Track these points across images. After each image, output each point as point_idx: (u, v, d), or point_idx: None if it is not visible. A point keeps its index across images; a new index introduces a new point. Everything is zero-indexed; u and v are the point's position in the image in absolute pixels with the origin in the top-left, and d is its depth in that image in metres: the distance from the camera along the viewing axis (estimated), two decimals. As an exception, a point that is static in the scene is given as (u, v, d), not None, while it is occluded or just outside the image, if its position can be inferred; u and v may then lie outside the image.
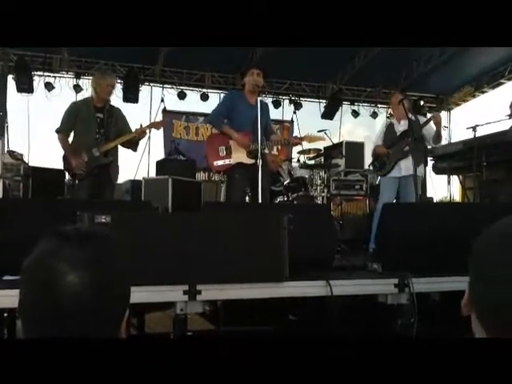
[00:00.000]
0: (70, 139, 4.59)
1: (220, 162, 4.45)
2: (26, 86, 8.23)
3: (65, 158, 4.51)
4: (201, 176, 8.37)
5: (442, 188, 8.53)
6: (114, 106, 4.81)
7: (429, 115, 9.30)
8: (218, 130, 4.66)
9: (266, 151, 4.53)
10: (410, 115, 4.85)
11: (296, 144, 4.95)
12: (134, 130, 4.65)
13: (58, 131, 4.57)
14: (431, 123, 4.82)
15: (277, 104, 9.82)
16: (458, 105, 10.70)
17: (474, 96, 4.68)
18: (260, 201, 4.09)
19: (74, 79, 8.71)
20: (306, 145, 5.67)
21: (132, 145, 4.72)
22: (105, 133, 4.55)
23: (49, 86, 8.56)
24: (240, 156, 4.40)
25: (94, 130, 4.52)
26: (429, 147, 5.13)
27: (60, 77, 8.70)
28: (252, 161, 4.32)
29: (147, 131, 4.74)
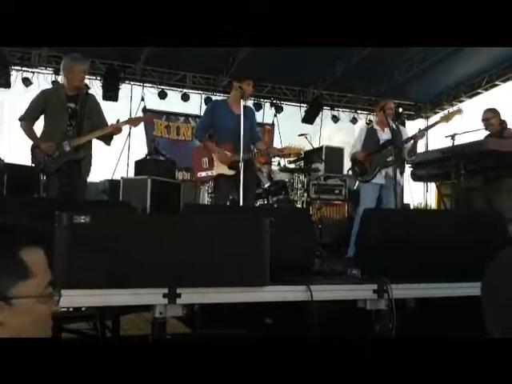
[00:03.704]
0: (39, 133, 4.21)
1: (203, 174, 4.63)
2: (3, 81, 8.06)
3: (33, 149, 4.13)
4: (182, 175, 8.33)
5: (419, 194, 8.68)
6: (88, 94, 4.41)
7: (409, 124, 9.45)
8: (202, 144, 4.80)
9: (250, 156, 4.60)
10: (393, 124, 4.96)
11: (275, 155, 5.10)
12: (110, 124, 4.31)
13: (21, 119, 4.19)
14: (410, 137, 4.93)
15: (258, 107, 9.82)
16: (436, 113, 10.90)
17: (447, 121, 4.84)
18: (246, 202, 4.18)
19: (53, 75, 8.56)
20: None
21: (105, 139, 4.34)
22: (77, 125, 4.16)
23: (26, 82, 8.39)
24: (221, 168, 4.54)
25: (64, 122, 4.14)
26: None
27: (38, 72, 8.54)
28: (232, 172, 4.46)
29: (123, 128, 4.34)
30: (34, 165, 4.20)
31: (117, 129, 4.27)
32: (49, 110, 4.18)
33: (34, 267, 0.88)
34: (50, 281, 0.90)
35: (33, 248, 0.89)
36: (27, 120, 4.20)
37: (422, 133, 4.88)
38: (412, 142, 4.87)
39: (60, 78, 8.43)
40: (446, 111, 4.87)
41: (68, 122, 4.16)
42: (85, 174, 4.33)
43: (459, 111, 4.76)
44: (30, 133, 4.17)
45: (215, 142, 4.67)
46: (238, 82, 4.72)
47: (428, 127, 5.17)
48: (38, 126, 4.28)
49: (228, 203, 4.75)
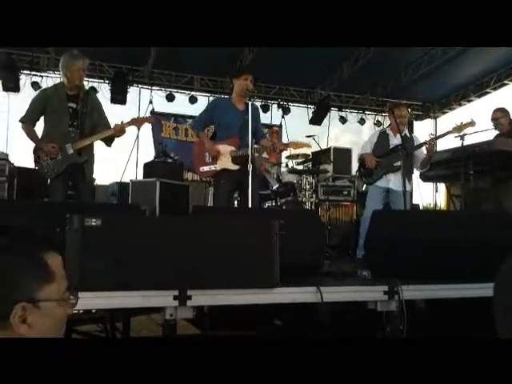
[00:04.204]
0: (39, 133, 4.13)
1: (206, 168, 4.46)
2: (12, 85, 8.13)
3: (35, 151, 4.06)
4: (190, 176, 8.33)
5: (428, 195, 8.65)
6: (89, 92, 4.40)
7: (417, 124, 9.37)
8: (197, 136, 4.67)
9: (256, 154, 4.52)
10: (406, 131, 4.94)
11: (282, 150, 4.99)
12: (113, 125, 4.20)
13: (21, 120, 4.12)
14: (423, 148, 4.87)
15: (265, 108, 9.84)
16: (444, 113, 10.86)
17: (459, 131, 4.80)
18: (250, 205, 4.09)
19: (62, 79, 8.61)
20: (293, 150, 5.69)
21: (106, 140, 4.22)
22: (79, 126, 4.08)
23: (35, 86, 8.45)
24: (225, 162, 4.39)
25: (66, 122, 4.05)
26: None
27: (47, 76, 8.60)
28: (237, 167, 4.34)
29: (127, 129, 4.23)
30: (36, 168, 4.13)
31: (120, 130, 4.16)
32: (49, 110, 4.10)
33: (57, 271, 0.90)
34: (67, 285, 0.92)
35: (53, 252, 0.91)
36: (28, 122, 4.13)
37: (431, 141, 4.81)
38: (426, 154, 4.81)
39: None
40: (458, 122, 4.78)
41: (69, 123, 4.08)
42: (88, 177, 4.27)
43: (472, 123, 4.71)
44: (31, 135, 4.11)
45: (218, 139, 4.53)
46: (235, 78, 4.61)
47: (438, 136, 5.13)
48: (40, 127, 4.19)
49: (234, 203, 4.71)
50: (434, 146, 4.84)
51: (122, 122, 4.21)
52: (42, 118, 4.18)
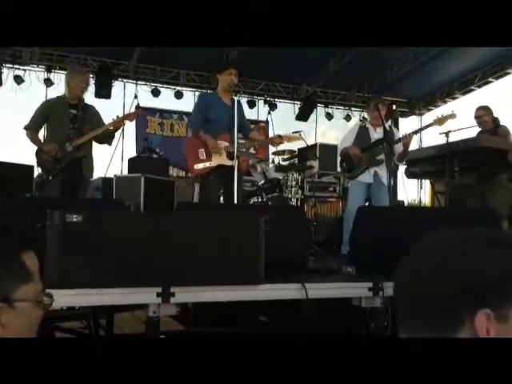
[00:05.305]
0: (42, 137, 4.56)
1: (201, 165, 4.42)
2: (-6, 79, 8.01)
3: (37, 153, 4.40)
4: (176, 172, 8.27)
5: (413, 191, 8.71)
6: (88, 104, 4.76)
7: (402, 121, 9.42)
8: (195, 136, 4.61)
9: (243, 150, 4.53)
10: (388, 123, 4.92)
11: (275, 143, 4.96)
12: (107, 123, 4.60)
13: (26, 128, 4.50)
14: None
15: (252, 104, 9.81)
16: (429, 110, 10.94)
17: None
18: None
19: (45, 73, 8.50)
20: (280, 146, 5.67)
21: (107, 139, 4.66)
22: (78, 128, 4.46)
23: (18, 79, 8.32)
24: (221, 158, 4.40)
25: (67, 126, 4.44)
26: None
27: (30, 70, 8.47)
28: (232, 162, 4.34)
29: (123, 122, 4.70)
30: (39, 168, 4.47)
31: (117, 123, 4.55)
32: (52, 118, 4.49)
33: (33, 271, 0.89)
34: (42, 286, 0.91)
35: (31, 251, 0.89)
36: (32, 129, 4.49)
37: (412, 134, 4.80)
38: (402, 147, 4.81)
39: (52, 76, 8.44)
40: (439, 114, 4.78)
41: (70, 126, 4.45)
42: (86, 173, 4.57)
43: (452, 115, 4.71)
44: (34, 140, 4.48)
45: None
46: (219, 74, 4.63)
47: (420, 129, 5.15)
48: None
49: (221, 200, 4.68)
50: (410, 141, 4.83)
51: (118, 116, 4.66)
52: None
